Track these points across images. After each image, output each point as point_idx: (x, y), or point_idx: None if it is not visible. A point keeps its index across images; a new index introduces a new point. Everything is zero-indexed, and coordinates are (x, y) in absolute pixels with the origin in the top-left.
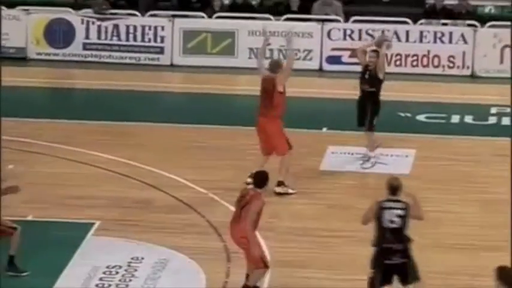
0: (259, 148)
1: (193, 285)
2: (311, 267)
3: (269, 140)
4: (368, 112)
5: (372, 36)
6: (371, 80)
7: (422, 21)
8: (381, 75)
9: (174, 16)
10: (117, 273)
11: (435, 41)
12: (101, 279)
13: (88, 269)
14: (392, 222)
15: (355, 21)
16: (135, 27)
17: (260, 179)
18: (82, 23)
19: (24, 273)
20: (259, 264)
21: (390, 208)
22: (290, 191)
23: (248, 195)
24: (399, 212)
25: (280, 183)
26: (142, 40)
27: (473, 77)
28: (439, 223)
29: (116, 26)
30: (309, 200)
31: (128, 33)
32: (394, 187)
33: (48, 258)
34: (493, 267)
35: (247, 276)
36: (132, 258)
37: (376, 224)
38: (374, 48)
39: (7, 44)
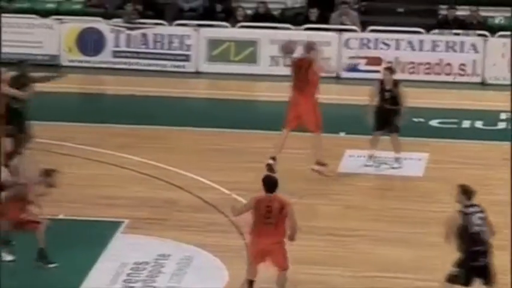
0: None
1: (216, 281)
2: (327, 264)
3: (302, 115)
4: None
5: (387, 45)
6: None
7: (435, 31)
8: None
9: (199, 25)
10: (144, 269)
11: (447, 50)
12: (128, 275)
13: (116, 265)
14: (478, 225)
15: (372, 30)
16: (162, 36)
17: (272, 184)
18: (112, 32)
19: (53, 265)
20: (287, 264)
21: (473, 213)
22: (325, 171)
23: (276, 204)
24: (481, 215)
25: (318, 162)
26: (169, 48)
27: (483, 85)
28: None
29: (144, 35)
30: (327, 201)
31: (155, 41)
32: (470, 192)
33: (79, 255)
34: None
35: (251, 282)
36: (158, 255)
37: (460, 231)
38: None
39: (41, 51)
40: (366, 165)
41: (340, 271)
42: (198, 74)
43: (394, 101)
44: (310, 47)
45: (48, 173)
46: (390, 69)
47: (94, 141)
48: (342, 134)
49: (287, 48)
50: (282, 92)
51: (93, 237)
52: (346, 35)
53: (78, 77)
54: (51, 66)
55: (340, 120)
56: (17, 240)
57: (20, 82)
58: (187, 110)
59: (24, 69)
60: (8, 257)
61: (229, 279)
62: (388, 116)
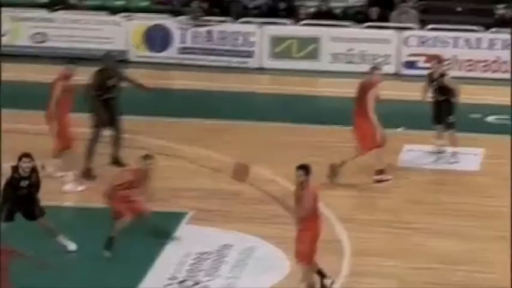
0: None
1: (278, 271)
2: (386, 256)
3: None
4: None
5: (445, 43)
6: None
7: (493, 29)
8: None
9: (263, 23)
10: (207, 259)
11: (504, 48)
12: (192, 264)
13: (181, 255)
14: None
15: (431, 29)
16: (227, 33)
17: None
18: (178, 28)
19: (108, 254)
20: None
21: None
22: (386, 177)
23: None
24: None
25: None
26: (234, 45)
27: None
28: (507, 217)
29: (209, 32)
30: (385, 194)
31: (220, 38)
32: None
33: (145, 245)
34: None
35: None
36: (221, 246)
37: None
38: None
39: (110, 47)
40: (424, 160)
41: (397, 263)
42: (261, 70)
43: (442, 91)
44: (376, 68)
45: (147, 157)
46: (438, 60)
47: (161, 135)
48: (401, 129)
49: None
50: (342, 88)
51: (158, 227)
52: (406, 33)
53: (146, 72)
54: (120, 62)
55: (400, 116)
56: (79, 230)
57: (105, 74)
58: (251, 105)
59: (110, 62)
60: (71, 246)
61: (290, 270)
62: (439, 108)
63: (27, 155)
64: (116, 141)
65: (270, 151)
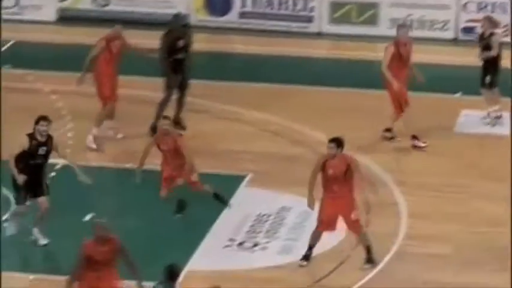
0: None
1: (334, 234)
2: (439, 219)
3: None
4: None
5: (504, 8)
6: None
7: None
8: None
9: None
10: (266, 221)
11: None
12: (251, 226)
13: (240, 217)
14: None
15: None
16: None
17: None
18: None
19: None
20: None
21: None
22: (421, 144)
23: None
24: None
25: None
26: (293, 10)
27: None
28: None
29: None
30: (441, 158)
31: (280, 3)
32: None
33: (205, 207)
34: None
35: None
36: (280, 208)
37: None
38: None
39: (171, 11)
40: (481, 124)
41: (452, 226)
42: (320, 35)
43: (488, 50)
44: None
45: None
46: (489, 19)
47: (220, 98)
48: (459, 95)
49: None
50: None
51: (218, 190)
52: None
53: (206, 36)
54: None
55: (458, 81)
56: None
57: (174, 36)
58: (309, 70)
59: (179, 23)
60: (43, 241)
61: (346, 233)
62: (485, 67)
63: (44, 118)
64: (180, 103)
65: (328, 115)
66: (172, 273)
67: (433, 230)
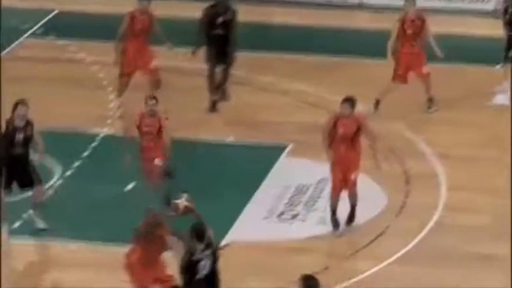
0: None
1: (375, 204)
2: (477, 191)
3: None
4: None
5: None
6: None
7: None
8: None
9: None
10: (306, 192)
11: None
12: (291, 197)
13: (280, 188)
14: None
15: None
16: None
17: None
18: None
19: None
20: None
21: None
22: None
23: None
24: None
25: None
26: None
27: None
28: None
29: None
30: (479, 130)
31: None
32: None
33: (244, 178)
34: None
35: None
36: (319, 179)
37: None
38: None
39: None
40: None
41: (490, 199)
42: (361, 6)
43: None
44: None
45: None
46: None
47: (261, 70)
48: (499, 67)
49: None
50: (441, 26)
51: (258, 160)
52: None
53: (247, 8)
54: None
55: (497, 54)
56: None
57: (216, 10)
58: (351, 42)
59: None
60: (41, 225)
61: (388, 202)
62: (510, 42)
63: (23, 102)
64: (225, 75)
65: (369, 87)
66: (198, 233)
67: (471, 202)
